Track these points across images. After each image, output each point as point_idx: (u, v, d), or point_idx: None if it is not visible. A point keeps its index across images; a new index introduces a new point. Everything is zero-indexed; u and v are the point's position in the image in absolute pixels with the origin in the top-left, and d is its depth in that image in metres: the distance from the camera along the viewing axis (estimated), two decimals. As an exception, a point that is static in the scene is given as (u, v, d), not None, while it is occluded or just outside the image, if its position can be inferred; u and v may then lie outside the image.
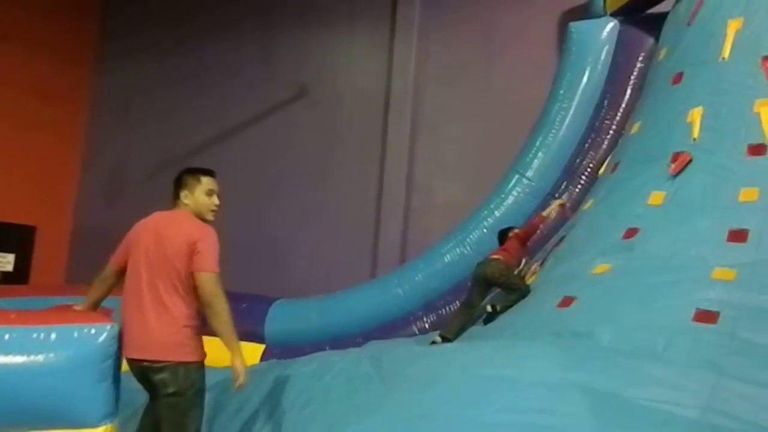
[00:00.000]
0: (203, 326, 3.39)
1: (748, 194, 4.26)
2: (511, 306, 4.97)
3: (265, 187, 9.40)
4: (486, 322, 5.09)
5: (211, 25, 10.05)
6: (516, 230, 5.72)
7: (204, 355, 3.42)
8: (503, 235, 5.71)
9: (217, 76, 9.94)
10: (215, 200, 3.57)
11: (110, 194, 10.15)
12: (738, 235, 4.09)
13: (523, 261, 5.56)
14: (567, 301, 4.45)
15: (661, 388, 3.26)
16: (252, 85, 9.69)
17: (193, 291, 3.30)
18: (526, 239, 5.64)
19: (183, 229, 3.34)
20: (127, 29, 10.72)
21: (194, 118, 10.00)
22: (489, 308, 5.04)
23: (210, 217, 3.55)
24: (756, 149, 4.39)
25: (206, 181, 3.53)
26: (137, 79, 10.54)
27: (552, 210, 5.65)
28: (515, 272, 5.34)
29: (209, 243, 3.31)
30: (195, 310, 3.34)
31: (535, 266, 5.60)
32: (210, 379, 3.54)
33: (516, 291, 5.05)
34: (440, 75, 8.55)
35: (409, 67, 8.56)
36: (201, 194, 3.49)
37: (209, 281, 3.23)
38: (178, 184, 3.51)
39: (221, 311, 3.22)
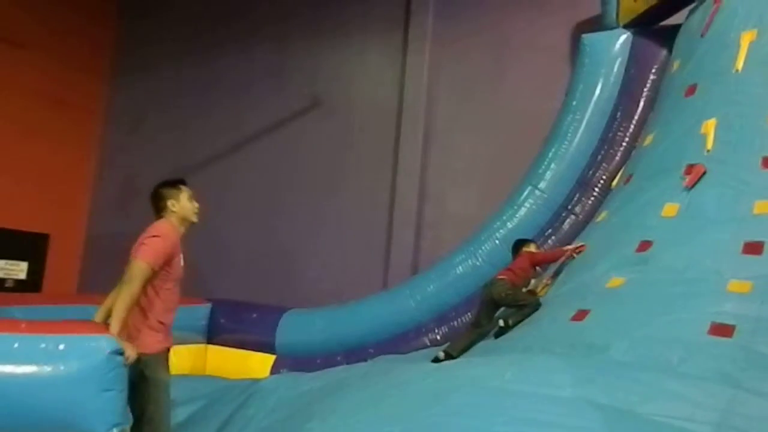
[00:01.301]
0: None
1: (763, 206, 4.23)
2: (523, 320, 4.94)
3: (277, 197, 9.44)
4: (497, 336, 5.05)
5: (224, 38, 10.15)
6: (532, 248, 5.65)
7: (160, 349, 3.68)
8: (517, 247, 5.66)
9: (230, 87, 10.03)
10: (196, 204, 3.99)
11: (123, 203, 10.23)
12: (753, 248, 4.05)
13: (533, 281, 5.49)
14: (581, 315, 4.42)
15: (675, 403, 3.21)
16: (265, 97, 9.75)
17: (156, 291, 3.65)
18: (539, 263, 5.57)
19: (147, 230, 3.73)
20: (142, 41, 10.85)
21: (207, 129, 10.08)
22: (501, 323, 5.01)
23: (195, 219, 3.98)
24: (771, 161, 4.36)
25: (186, 189, 3.98)
26: (152, 90, 10.65)
27: (573, 251, 5.51)
28: (523, 289, 5.30)
29: (154, 238, 3.64)
30: (155, 309, 3.66)
31: (546, 279, 5.56)
32: (219, 391, 3.56)
33: (527, 306, 5.01)
34: (453, 86, 8.56)
35: (422, 79, 8.57)
36: (186, 200, 3.93)
37: (134, 268, 3.51)
38: (162, 196, 3.91)
39: (126, 295, 3.45)
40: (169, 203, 3.87)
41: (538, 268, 5.65)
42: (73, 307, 5.49)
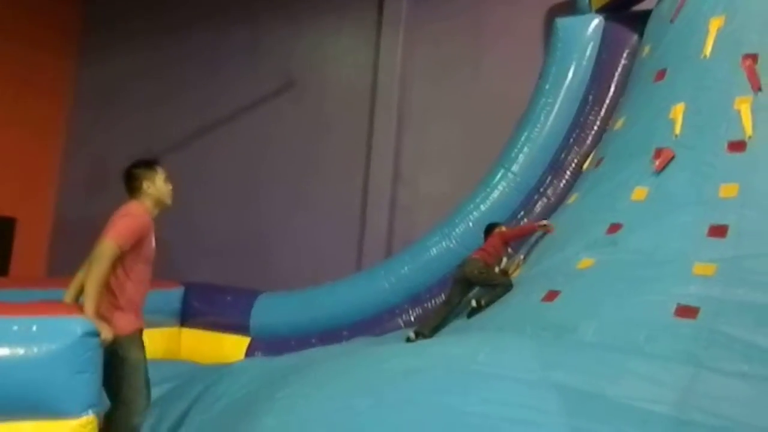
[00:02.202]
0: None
1: (728, 190, 4.33)
2: (495, 300, 5.01)
3: (251, 179, 9.38)
4: (470, 316, 5.12)
5: (196, 16, 9.97)
6: (503, 228, 5.75)
7: (132, 330, 3.65)
8: (489, 230, 5.74)
9: (202, 67, 9.88)
10: (170, 185, 3.93)
11: (92, 186, 10.07)
12: (718, 231, 4.16)
13: (504, 259, 5.58)
14: (551, 295, 4.50)
15: (640, 384, 3.31)
16: (238, 77, 9.64)
17: (126, 272, 3.62)
18: (509, 240, 5.67)
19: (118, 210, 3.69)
20: (109, 20, 10.61)
21: (178, 109, 9.93)
22: (474, 303, 5.08)
23: (170, 201, 3.92)
24: (736, 145, 4.47)
25: (161, 170, 3.90)
26: (120, 71, 10.44)
27: (545, 226, 5.62)
28: (496, 269, 5.38)
29: (123, 216, 3.61)
30: (126, 290, 3.63)
31: (518, 260, 5.64)
32: (192, 373, 3.56)
33: (499, 286, 5.09)
34: (427, 69, 8.56)
35: (396, 61, 8.55)
36: (161, 182, 3.86)
37: (102, 247, 3.46)
38: (136, 177, 3.82)
39: (95, 274, 3.41)
40: (144, 184, 3.79)
41: (509, 248, 5.73)
42: (42, 291, 5.40)
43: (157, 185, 3.83)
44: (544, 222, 5.63)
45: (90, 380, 3.07)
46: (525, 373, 3.48)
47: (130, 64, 10.35)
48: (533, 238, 5.81)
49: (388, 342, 5.46)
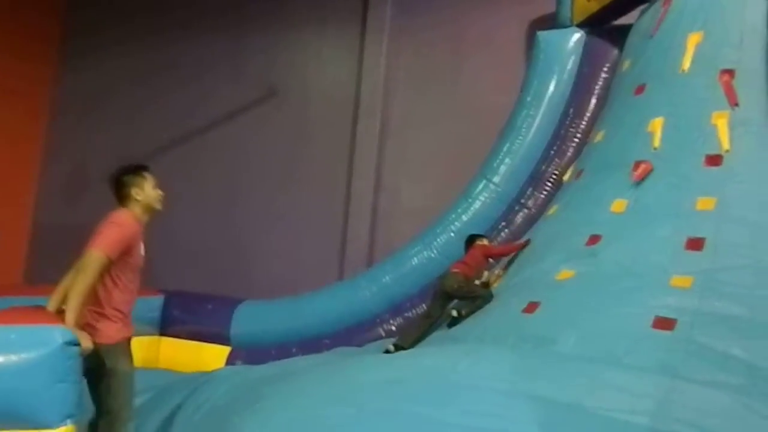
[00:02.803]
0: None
1: (705, 203, 4.41)
2: (476, 311, 5.04)
3: (232, 188, 9.33)
4: (450, 326, 5.14)
5: (177, 25, 9.91)
6: (485, 242, 5.77)
7: (119, 339, 3.60)
8: (470, 242, 5.76)
9: (183, 75, 9.82)
10: (160, 191, 3.86)
11: (70, 194, 9.96)
12: (695, 243, 4.22)
13: (485, 273, 5.60)
14: (531, 307, 4.54)
15: (617, 395, 3.34)
16: (220, 85, 9.60)
17: (113, 281, 3.57)
18: (492, 256, 5.70)
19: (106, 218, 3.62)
20: (91, 28, 10.47)
21: (160, 117, 9.86)
22: (454, 313, 5.10)
23: (159, 206, 3.85)
24: (713, 160, 4.55)
25: (150, 176, 3.82)
26: (101, 78, 10.33)
27: (524, 246, 5.64)
28: (476, 282, 5.41)
29: (111, 224, 3.54)
30: (113, 298, 3.58)
31: (498, 271, 5.67)
32: (171, 381, 3.53)
33: (479, 298, 5.11)
34: (410, 79, 8.60)
35: (379, 70, 8.59)
36: (150, 188, 3.79)
37: (89, 257, 3.39)
38: (125, 184, 3.75)
39: (80, 285, 3.35)
40: (133, 191, 3.71)
41: (491, 260, 5.76)
42: (20, 298, 5.34)
43: (146, 192, 3.75)
44: (527, 242, 5.62)
45: (69, 390, 3.02)
46: (504, 384, 3.50)
47: (111, 72, 10.26)
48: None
49: (368, 353, 5.46)
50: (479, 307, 5.04)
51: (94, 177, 9.70)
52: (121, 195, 3.74)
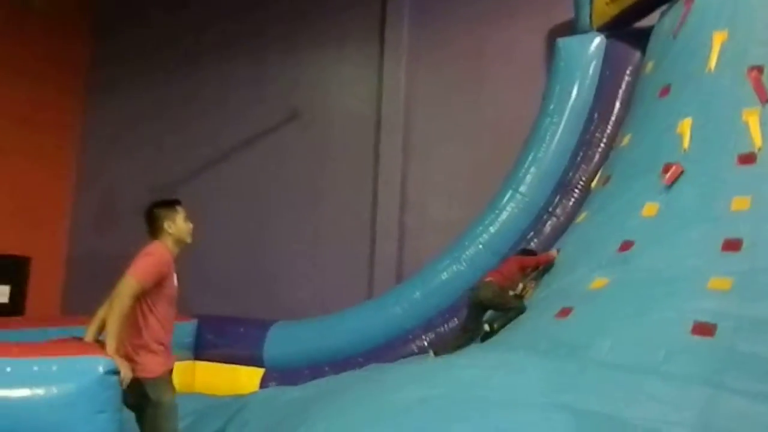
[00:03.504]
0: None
1: (740, 203, 4.30)
2: (508, 323, 4.98)
3: (258, 211, 9.40)
4: (483, 340, 5.08)
5: (200, 52, 10.09)
6: (521, 256, 5.70)
7: (161, 372, 3.65)
8: (523, 249, 5.82)
9: (207, 101, 9.97)
10: (190, 224, 3.97)
11: (101, 223, 10.12)
12: (732, 245, 4.12)
13: (520, 285, 5.51)
14: (565, 312, 4.47)
15: (656, 405, 3.26)
16: (243, 110, 9.72)
17: (149, 311, 3.64)
18: (527, 267, 5.59)
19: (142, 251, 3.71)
20: (117, 57, 10.74)
21: (186, 144, 10.00)
22: (487, 327, 5.04)
23: (189, 239, 3.96)
24: (746, 158, 4.45)
25: (181, 209, 3.94)
26: (128, 107, 10.55)
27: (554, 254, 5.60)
28: (510, 293, 5.33)
29: (145, 255, 3.64)
30: (151, 330, 3.63)
31: (532, 283, 5.60)
32: (209, 407, 3.55)
33: (512, 310, 5.05)
34: (430, 95, 8.61)
35: (400, 88, 8.61)
36: (181, 221, 3.90)
37: (124, 283, 3.49)
38: (158, 217, 3.85)
39: (116, 311, 3.43)
40: (165, 224, 3.82)
41: (527, 272, 5.69)
42: (57, 329, 5.42)
43: (178, 224, 3.86)
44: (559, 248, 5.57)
45: (109, 420, 3.05)
46: (538, 397, 3.44)
47: (138, 101, 10.46)
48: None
49: (402, 365, 5.42)
50: (511, 320, 4.98)
51: (123, 206, 9.88)
52: (154, 228, 3.84)
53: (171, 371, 3.76)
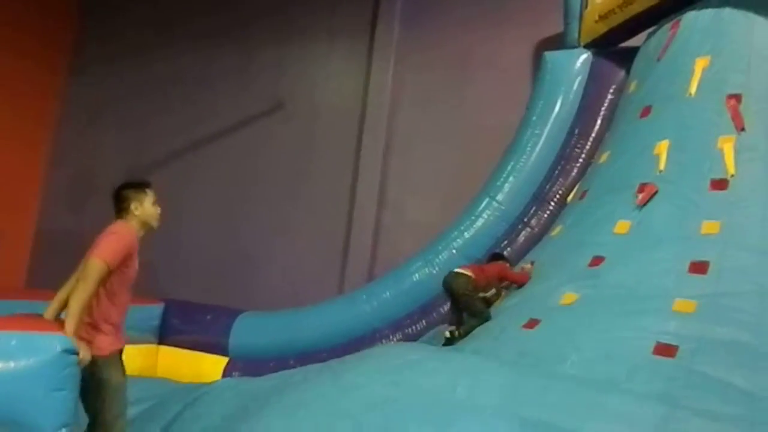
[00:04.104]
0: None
1: (709, 227, 4.37)
2: (470, 331, 4.95)
3: (237, 199, 9.35)
4: (444, 345, 5.07)
5: (188, 37, 9.98)
6: (507, 264, 5.69)
7: (112, 351, 3.62)
8: (493, 259, 5.76)
9: (192, 86, 9.88)
10: (158, 208, 3.93)
11: (75, 200, 9.98)
12: (699, 267, 4.19)
13: (493, 290, 5.51)
14: (532, 323, 4.51)
15: (614, 422, 3.30)
16: (227, 98, 9.66)
17: (105, 291, 3.58)
18: (503, 278, 5.55)
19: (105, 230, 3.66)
20: (102, 37, 10.58)
21: (167, 128, 9.90)
22: (447, 333, 5.03)
23: (156, 223, 3.92)
24: (718, 184, 4.52)
25: (151, 192, 3.90)
26: (110, 87, 10.40)
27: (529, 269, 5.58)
28: (481, 295, 5.31)
29: (110, 234, 3.60)
30: (102, 309, 3.59)
31: (504, 293, 5.63)
32: (168, 393, 3.52)
33: (476, 316, 5.04)
34: (415, 96, 8.63)
35: (386, 86, 8.63)
36: (149, 204, 3.86)
37: (91, 265, 3.44)
38: (125, 198, 3.81)
39: (82, 293, 3.39)
40: (132, 206, 3.79)
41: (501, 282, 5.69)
42: (20, 302, 5.35)
43: (145, 207, 3.83)
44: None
45: (66, 398, 3.02)
46: (503, 408, 3.47)
47: (120, 83, 10.32)
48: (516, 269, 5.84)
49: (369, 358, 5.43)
50: (474, 328, 4.96)
51: (99, 185, 9.74)
52: (120, 208, 3.81)
53: (121, 352, 3.72)
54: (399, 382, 3.87)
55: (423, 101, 8.58)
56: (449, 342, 5.00)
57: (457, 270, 5.30)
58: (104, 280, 3.53)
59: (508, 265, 5.74)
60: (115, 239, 3.58)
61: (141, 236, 3.85)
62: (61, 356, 3.01)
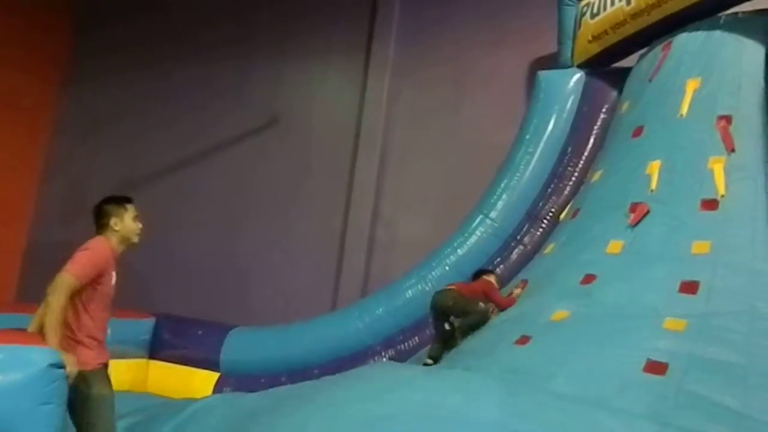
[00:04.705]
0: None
1: (700, 247, 4.41)
2: (470, 326, 4.99)
3: (231, 214, 9.35)
4: (445, 341, 5.10)
5: (184, 52, 10.00)
6: (493, 279, 5.71)
7: (96, 365, 3.60)
8: (478, 275, 5.78)
9: (188, 102, 9.90)
10: (139, 224, 3.89)
11: (67, 214, 9.95)
12: (689, 287, 4.21)
13: (481, 305, 5.53)
14: (524, 340, 4.52)
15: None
16: (224, 113, 9.67)
17: (83, 308, 3.56)
18: (489, 298, 5.56)
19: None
20: (99, 51, 10.58)
21: (162, 142, 9.90)
22: (447, 326, 5.07)
23: (137, 240, 3.89)
24: (709, 204, 4.57)
25: (131, 208, 3.88)
26: (106, 101, 10.41)
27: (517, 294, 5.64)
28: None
29: (83, 250, 3.57)
30: (83, 327, 3.57)
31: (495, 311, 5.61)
32: (158, 408, 3.50)
33: (473, 314, 5.07)
34: (411, 113, 8.67)
35: (381, 104, 8.67)
36: (130, 220, 3.84)
37: (59, 279, 3.41)
38: (105, 213, 3.81)
39: (52, 308, 3.36)
40: (112, 221, 3.78)
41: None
42: (10, 316, 5.32)
43: (126, 223, 3.81)
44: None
45: (54, 412, 2.99)
46: (492, 423, 3.46)
47: (116, 97, 10.34)
48: (509, 286, 5.84)
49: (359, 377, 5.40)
50: (474, 322, 5.02)
51: (92, 200, 9.67)
52: (100, 223, 3.79)
53: (106, 366, 3.69)
54: (392, 400, 3.87)
55: (418, 119, 8.62)
56: (449, 333, 5.01)
57: (442, 289, 5.40)
58: (79, 295, 3.51)
59: (494, 279, 5.76)
60: (88, 255, 3.55)
61: (121, 252, 3.83)
62: (48, 370, 2.99)
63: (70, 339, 3.51)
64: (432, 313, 5.43)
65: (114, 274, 3.76)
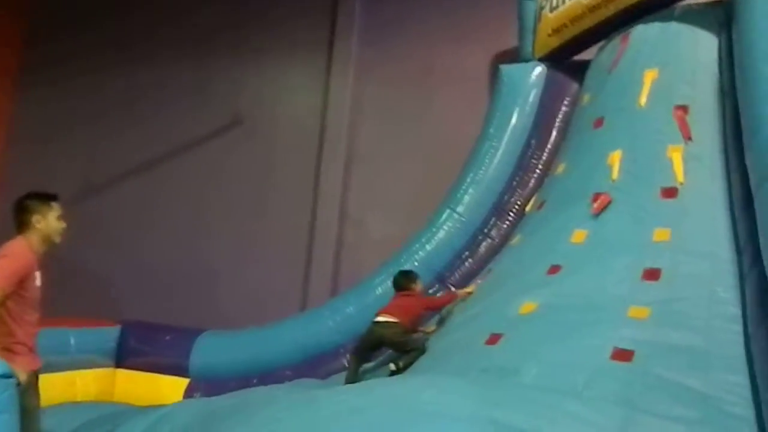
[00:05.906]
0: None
1: (661, 234, 4.48)
2: (412, 362, 4.94)
3: (198, 217, 9.22)
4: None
5: (141, 55, 9.79)
6: (418, 287, 5.68)
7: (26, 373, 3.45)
8: (402, 281, 5.70)
9: (148, 105, 9.71)
10: (63, 223, 3.73)
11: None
12: (652, 274, 4.28)
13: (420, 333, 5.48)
14: (494, 338, 4.54)
15: (577, 425, 3.34)
16: (185, 115, 9.52)
17: (7, 314, 3.42)
18: (432, 309, 5.61)
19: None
20: (50, 58, 10.18)
21: (123, 147, 9.68)
22: (392, 366, 5.00)
23: (58, 239, 3.71)
24: (668, 192, 4.65)
25: (56, 206, 3.72)
26: (61, 108, 10.06)
27: (464, 293, 5.60)
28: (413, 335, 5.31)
29: (3, 259, 3.40)
30: (10, 333, 3.43)
31: (433, 327, 5.60)
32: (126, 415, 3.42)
33: (415, 350, 5.02)
34: (376, 110, 8.66)
35: (345, 102, 8.64)
36: (53, 219, 3.67)
37: None
38: (28, 209, 3.63)
39: None
40: (34, 218, 3.62)
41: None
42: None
43: (49, 221, 3.65)
44: (468, 290, 5.61)
45: (8, 422, 2.92)
46: (468, 412, 3.47)
47: (72, 102, 10.02)
48: (477, 278, 5.88)
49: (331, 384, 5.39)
50: (415, 359, 4.95)
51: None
52: (21, 221, 3.62)
53: (37, 375, 3.56)
54: (366, 393, 3.86)
55: (384, 116, 8.61)
56: (394, 374, 4.94)
57: (379, 319, 5.23)
58: (2, 304, 3.36)
59: (419, 285, 5.70)
60: (7, 263, 3.39)
61: (43, 251, 3.67)
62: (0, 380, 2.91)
63: (2, 348, 3.38)
64: (366, 343, 5.32)
65: (38, 275, 3.60)
